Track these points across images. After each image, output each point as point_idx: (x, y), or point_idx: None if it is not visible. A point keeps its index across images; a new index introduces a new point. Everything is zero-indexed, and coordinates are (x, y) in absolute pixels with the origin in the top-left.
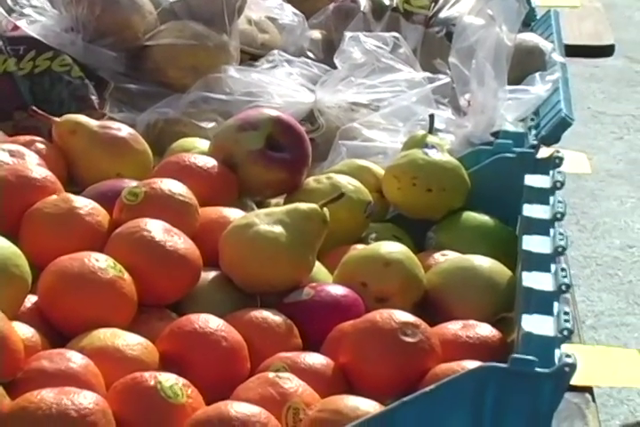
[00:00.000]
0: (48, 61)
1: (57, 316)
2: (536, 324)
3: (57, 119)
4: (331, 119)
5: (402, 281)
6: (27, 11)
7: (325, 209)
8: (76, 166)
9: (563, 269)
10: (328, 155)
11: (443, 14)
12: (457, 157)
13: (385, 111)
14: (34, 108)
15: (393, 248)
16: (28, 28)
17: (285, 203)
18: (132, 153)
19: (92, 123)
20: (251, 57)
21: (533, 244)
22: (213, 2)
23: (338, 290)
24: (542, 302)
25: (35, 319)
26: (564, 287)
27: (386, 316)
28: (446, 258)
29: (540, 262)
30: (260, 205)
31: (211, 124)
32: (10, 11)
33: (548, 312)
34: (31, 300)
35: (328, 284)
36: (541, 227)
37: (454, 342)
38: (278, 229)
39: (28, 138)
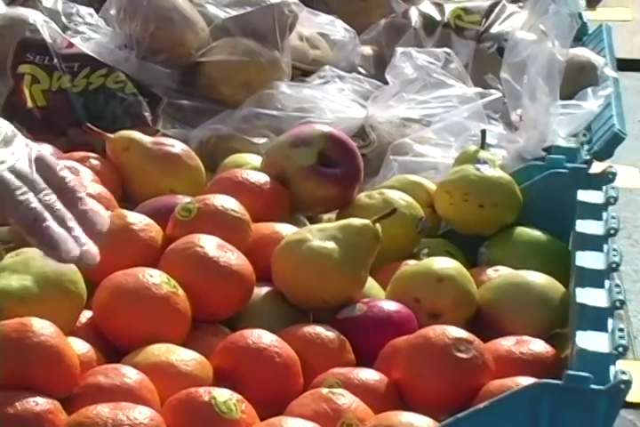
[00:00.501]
0: (102, 78)
1: (112, 331)
2: (590, 340)
3: (111, 136)
4: (382, 135)
5: (455, 297)
6: (81, 28)
7: (378, 225)
8: (129, 182)
9: (617, 286)
10: (379, 170)
11: (494, 30)
12: (509, 172)
13: (436, 126)
14: (88, 124)
15: (446, 264)
16: (82, 45)
17: (337, 218)
18: (185, 169)
19: (146, 139)
20: (302, 73)
21: (587, 260)
22: (265, 18)
23: (390, 306)
24: (596, 319)
25: (90, 335)
26: (618, 304)
27: (439, 332)
28: (499, 274)
29: (594, 278)
30: (312, 220)
31: (263, 140)
32: (64, 28)
33: (603, 329)
34: (86, 315)
35: (381, 299)
36: (595, 243)
37: (508, 357)
38: (331, 244)
39: (82, 154)
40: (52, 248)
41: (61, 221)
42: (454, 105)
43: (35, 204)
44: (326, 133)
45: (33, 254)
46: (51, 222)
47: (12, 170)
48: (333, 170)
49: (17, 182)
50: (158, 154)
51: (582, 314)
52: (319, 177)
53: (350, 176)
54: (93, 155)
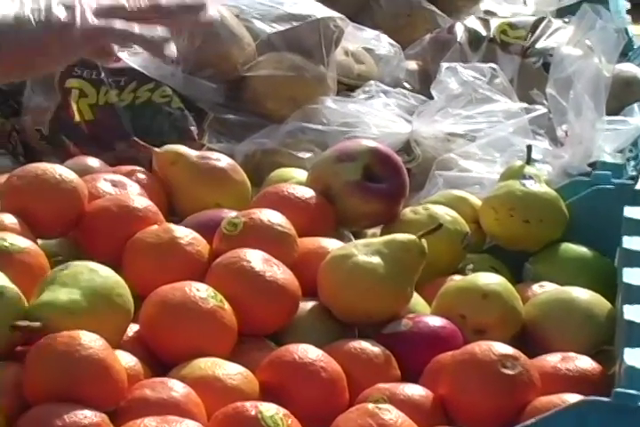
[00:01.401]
0: (149, 93)
1: (158, 345)
2: (639, 357)
3: (158, 150)
4: (427, 150)
5: (500, 313)
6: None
7: (424, 240)
8: (175, 196)
9: None
10: (424, 185)
11: (540, 45)
12: (554, 188)
13: (482, 142)
14: (135, 138)
15: (491, 280)
16: (129, 59)
17: (383, 233)
18: (231, 183)
19: (192, 153)
20: (347, 88)
21: (634, 276)
22: (311, 34)
23: (436, 321)
24: None
25: (137, 348)
26: None
27: (485, 348)
28: (544, 290)
29: None
30: (357, 235)
31: (308, 155)
32: None
33: None
34: (133, 329)
35: (426, 315)
36: None
37: (554, 374)
38: (376, 259)
39: (129, 168)
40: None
41: None
42: (499, 120)
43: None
44: (372, 149)
45: (81, 268)
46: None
47: None
48: (379, 185)
49: None
50: (204, 168)
51: (630, 331)
52: (364, 192)
53: (395, 191)
54: (140, 169)
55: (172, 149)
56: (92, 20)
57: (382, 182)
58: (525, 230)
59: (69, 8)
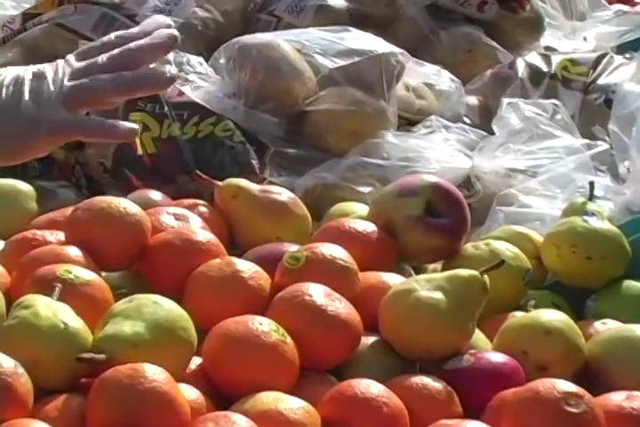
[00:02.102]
0: (211, 126)
1: (221, 378)
2: None
3: (219, 183)
4: (487, 185)
5: (563, 350)
6: (191, 77)
7: (486, 276)
8: (237, 229)
9: None
10: (485, 220)
11: (601, 81)
12: (616, 224)
13: (543, 178)
14: (198, 172)
15: (553, 316)
16: (191, 93)
17: (444, 268)
18: (292, 217)
19: (253, 187)
20: (408, 122)
21: None
22: (372, 68)
23: (498, 358)
24: None
25: (200, 381)
26: None
27: (548, 385)
28: (607, 327)
29: None
30: (418, 270)
31: (368, 189)
32: None
33: None
34: (196, 362)
35: (488, 351)
36: None
37: (618, 413)
38: (438, 295)
39: (191, 201)
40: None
41: None
42: (561, 156)
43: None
44: (433, 184)
45: (145, 301)
46: None
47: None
48: (440, 220)
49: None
50: (265, 202)
51: None
52: (426, 227)
53: (457, 227)
54: (202, 202)
55: (234, 182)
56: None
57: (444, 217)
58: (587, 267)
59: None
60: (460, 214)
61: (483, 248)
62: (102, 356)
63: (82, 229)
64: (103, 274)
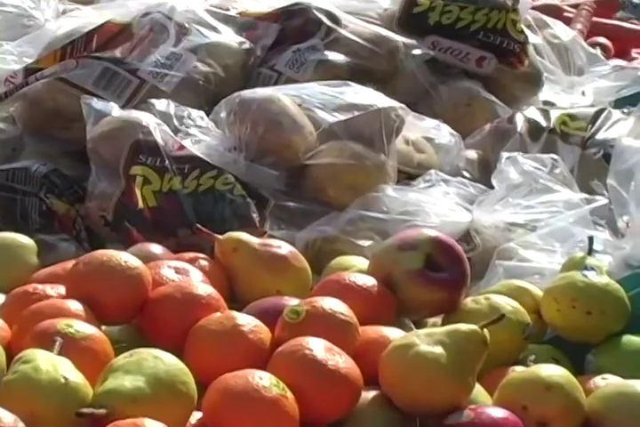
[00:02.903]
0: (212, 180)
1: None
2: None
3: (220, 237)
4: (487, 239)
5: (563, 405)
6: (192, 130)
7: (486, 331)
8: (237, 283)
9: None
10: (484, 274)
11: (600, 136)
12: (616, 279)
13: (542, 232)
14: (198, 225)
15: (553, 371)
16: (192, 147)
17: (444, 323)
18: (293, 270)
19: (254, 240)
20: (408, 176)
21: None
22: (372, 123)
23: (498, 413)
24: None
25: None
26: None
27: None
28: (607, 382)
29: None
30: (418, 324)
31: (368, 243)
32: (176, 130)
33: None
34: (196, 416)
35: (488, 406)
36: None
37: None
38: (439, 349)
39: (191, 255)
40: None
41: None
42: (560, 210)
43: None
44: (433, 238)
45: (145, 355)
46: None
47: None
48: (440, 274)
49: None
50: (265, 255)
51: None
52: (426, 281)
53: (457, 281)
54: (202, 255)
55: (234, 236)
56: None
57: (444, 271)
58: (587, 322)
59: None
60: (460, 268)
61: (482, 302)
62: (102, 411)
63: (82, 283)
64: (104, 328)
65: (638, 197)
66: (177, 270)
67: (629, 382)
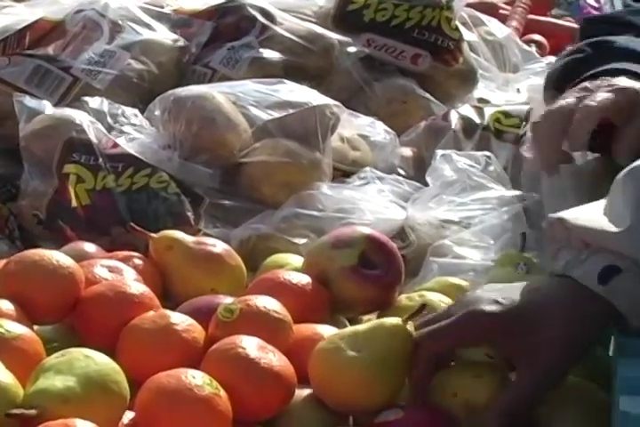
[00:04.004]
0: (146, 178)
1: None
2: None
3: (154, 235)
4: (422, 236)
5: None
6: (126, 128)
7: (410, 323)
8: (171, 281)
9: None
10: (419, 271)
11: None
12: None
13: (476, 229)
14: (132, 224)
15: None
16: (126, 145)
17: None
18: (227, 269)
19: (188, 239)
20: (342, 174)
21: (630, 368)
22: (307, 120)
23: (428, 409)
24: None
25: None
26: None
27: None
28: None
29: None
30: (353, 321)
31: (303, 240)
32: (110, 128)
33: None
34: (129, 416)
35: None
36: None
37: None
38: (363, 348)
39: (125, 254)
40: None
41: None
42: (494, 207)
43: None
44: (367, 235)
45: (77, 355)
46: None
47: None
48: (374, 272)
49: None
50: (200, 253)
51: (625, 422)
52: (360, 278)
53: (391, 278)
54: (136, 254)
55: (168, 234)
56: None
57: (378, 269)
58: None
59: None
60: (394, 266)
61: (416, 300)
62: (33, 411)
63: (14, 282)
64: (36, 327)
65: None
66: (110, 269)
67: None
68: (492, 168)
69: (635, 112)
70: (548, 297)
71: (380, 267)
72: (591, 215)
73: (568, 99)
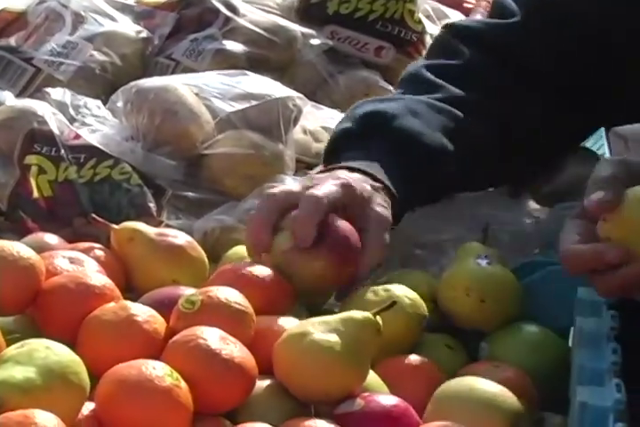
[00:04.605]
0: (108, 169)
1: (114, 423)
2: None
3: (115, 226)
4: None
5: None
6: (88, 120)
7: (379, 317)
8: (133, 273)
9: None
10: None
11: None
12: (511, 268)
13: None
14: (93, 215)
15: None
16: (89, 136)
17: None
18: (189, 260)
19: (150, 230)
20: (306, 166)
21: (587, 357)
22: (270, 112)
23: (389, 400)
24: (600, 418)
25: None
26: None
27: None
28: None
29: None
30: (315, 314)
31: None
32: (72, 120)
33: None
34: (89, 407)
35: (379, 393)
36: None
37: None
38: (333, 337)
39: (87, 245)
40: None
41: None
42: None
43: None
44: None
45: (36, 346)
46: None
47: None
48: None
49: None
50: (162, 245)
51: (583, 413)
52: (300, 257)
53: (336, 253)
54: (98, 245)
55: (130, 225)
56: None
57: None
58: (481, 310)
59: None
60: (337, 240)
61: (381, 294)
62: None
63: None
64: None
65: None
66: (71, 260)
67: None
68: None
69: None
70: None
71: (321, 243)
72: None
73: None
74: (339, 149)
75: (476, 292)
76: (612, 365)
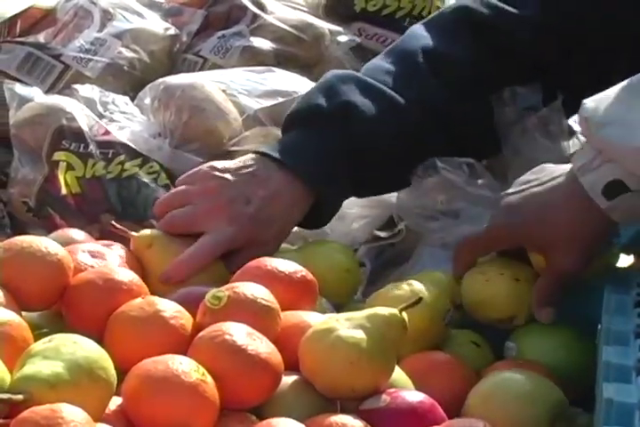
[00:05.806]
0: (136, 168)
1: (141, 418)
2: None
3: (134, 234)
4: (410, 225)
5: None
6: (116, 116)
7: (405, 314)
8: (150, 278)
9: None
10: (409, 260)
11: None
12: None
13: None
14: (113, 222)
15: None
16: (117, 132)
17: (365, 308)
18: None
19: (168, 236)
20: None
21: (613, 355)
22: None
23: (415, 397)
24: (627, 414)
25: (119, 422)
26: None
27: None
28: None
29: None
30: (340, 310)
31: None
32: (100, 116)
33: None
34: (116, 402)
35: (405, 389)
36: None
37: None
38: (359, 333)
39: (108, 243)
40: None
41: None
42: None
43: None
44: None
45: (64, 341)
46: None
47: None
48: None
49: None
50: (180, 251)
51: (609, 410)
52: None
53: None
54: (120, 245)
55: (148, 232)
56: None
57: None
58: (516, 289)
59: None
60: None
61: (404, 288)
62: (20, 396)
63: (2, 269)
64: (24, 313)
65: None
66: (92, 254)
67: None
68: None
69: None
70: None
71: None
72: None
73: None
74: (296, 124)
75: (509, 271)
76: (638, 362)
